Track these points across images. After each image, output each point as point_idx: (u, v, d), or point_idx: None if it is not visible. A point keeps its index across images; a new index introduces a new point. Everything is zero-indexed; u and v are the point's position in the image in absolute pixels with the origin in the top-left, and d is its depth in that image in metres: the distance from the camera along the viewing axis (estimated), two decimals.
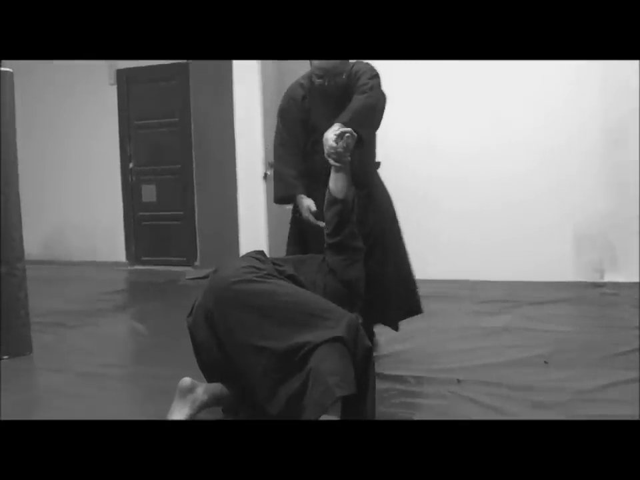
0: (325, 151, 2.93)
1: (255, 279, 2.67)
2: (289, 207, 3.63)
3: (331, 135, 2.91)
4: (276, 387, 2.52)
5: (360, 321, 2.90)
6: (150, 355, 4.23)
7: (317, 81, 3.38)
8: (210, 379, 2.82)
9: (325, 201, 3.01)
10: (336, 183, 2.97)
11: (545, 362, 3.54)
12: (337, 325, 2.54)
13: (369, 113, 3.27)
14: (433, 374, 3.40)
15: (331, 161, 2.93)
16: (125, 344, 4.64)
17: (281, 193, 3.47)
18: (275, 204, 3.71)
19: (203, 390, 2.68)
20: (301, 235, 3.56)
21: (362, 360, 2.57)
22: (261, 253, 2.96)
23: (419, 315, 4.63)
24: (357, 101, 3.23)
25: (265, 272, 2.73)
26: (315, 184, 3.36)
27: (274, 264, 2.86)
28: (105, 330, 4.79)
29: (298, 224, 3.54)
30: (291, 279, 2.82)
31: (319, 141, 3.13)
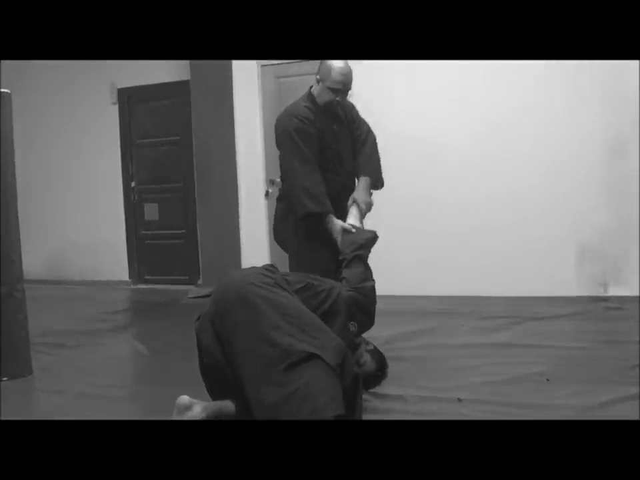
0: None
1: (259, 284, 2.78)
2: None
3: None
4: (264, 391, 2.55)
5: (355, 329, 3.05)
6: (151, 375, 4.22)
7: (329, 98, 3.55)
8: (210, 388, 2.87)
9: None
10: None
11: (547, 379, 3.51)
12: (324, 346, 2.61)
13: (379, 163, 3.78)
14: (434, 393, 3.36)
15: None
16: (126, 364, 4.61)
17: (312, 209, 3.47)
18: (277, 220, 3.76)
19: (201, 408, 2.70)
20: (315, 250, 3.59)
21: (350, 386, 2.63)
22: (272, 266, 3.05)
23: (420, 333, 4.67)
24: (374, 152, 3.79)
25: (273, 281, 2.83)
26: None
27: (283, 277, 2.96)
28: (106, 350, 4.77)
29: (314, 238, 3.56)
30: (298, 293, 2.90)
31: (329, 159, 3.54)
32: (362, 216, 3.61)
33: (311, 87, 3.70)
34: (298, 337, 2.63)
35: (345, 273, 3.26)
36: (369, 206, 3.66)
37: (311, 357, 2.57)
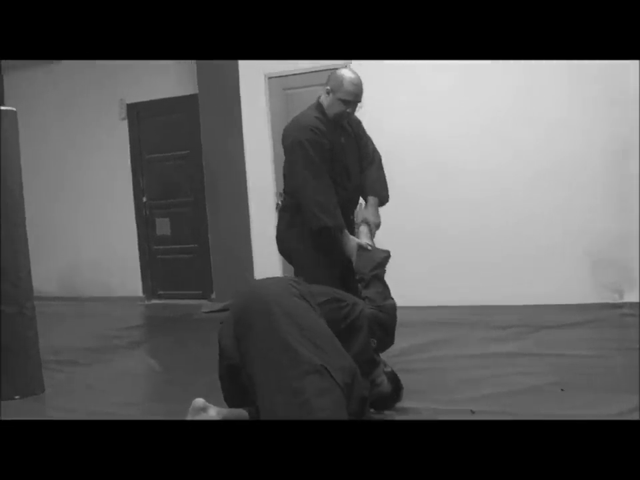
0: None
1: (282, 294, 2.83)
2: None
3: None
4: (274, 399, 2.57)
5: (375, 346, 3.07)
6: (163, 392, 4.21)
7: (340, 109, 3.50)
8: (226, 393, 2.91)
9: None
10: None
11: (562, 389, 3.46)
12: (335, 363, 2.62)
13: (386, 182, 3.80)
14: (447, 405, 3.33)
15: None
16: (138, 381, 4.58)
17: (327, 223, 3.42)
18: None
19: (216, 412, 2.73)
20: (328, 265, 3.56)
21: (356, 410, 2.64)
22: (298, 278, 3.11)
23: (432, 344, 4.64)
24: (381, 172, 3.78)
25: (297, 292, 2.87)
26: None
27: (309, 289, 2.97)
28: (119, 367, 4.77)
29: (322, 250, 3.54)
30: (321, 306, 2.91)
31: (337, 172, 3.52)
32: (372, 235, 3.60)
33: (319, 98, 3.64)
34: (310, 350, 2.64)
35: (366, 292, 3.27)
36: (378, 225, 3.66)
37: (321, 370, 2.57)
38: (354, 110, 3.61)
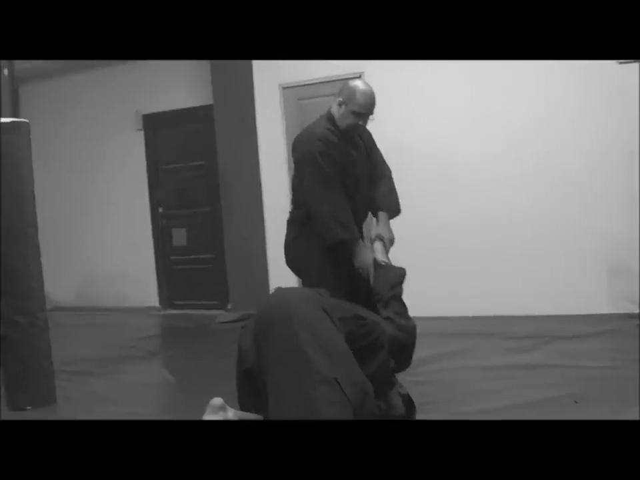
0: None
1: (304, 304, 2.83)
2: None
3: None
4: (285, 405, 2.57)
5: (392, 365, 3.07)
6: (175, 403, 4.21)
7: (352, 121, 3.46)
8: (241, 396, 2.92)
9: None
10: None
11: (575, 402, 3.40)
12: (347, 379, 2.60)
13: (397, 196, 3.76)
14: (458, 417, 3.27)
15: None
16: (151, 392, 4.56)
17: (341, 236, 3.39)
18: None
19: (233, 413, 2.77)
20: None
21: None
22: (323, 291, 3.07)
23: (445, 354, 4.60)
24: (392, 186, 3.74)
25: (320, 305, 2.86)
26: None
27: (332, 303, 2.97)
28: (132, 378, 4.78)
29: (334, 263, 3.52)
30: (344, 321, 2.90)
31: (347, 184, 3.46)
32: (387, 250, 3.58)
33: (330, 108, 3.60)
34: (324, 361, 2.63)
35: (385, 312, 3.26)
36: (392, 241, 3.62)
37: (332, 382, 2.56)
38: (365, 122, 3.56)
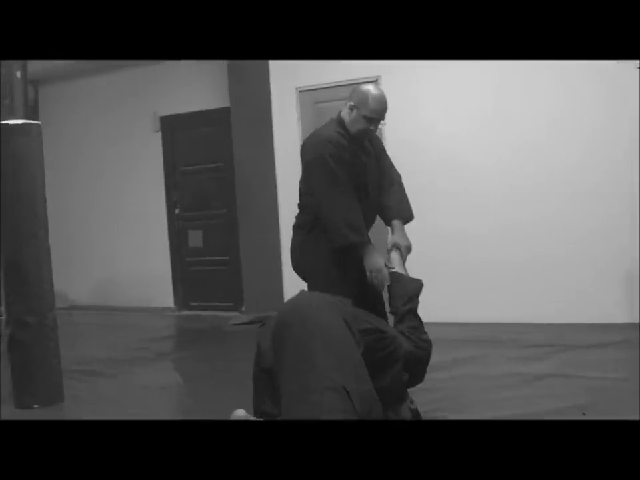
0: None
1: (324, 311, 2.84)
2: None
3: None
4: (297, 409, 2.56)
5: (406, 379, 3.07)
6: (184, 406, 4.22)
7: (364, 126, 3.42)
8: (257, 394, 2.92)
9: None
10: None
11: (583, 413, 3.35)
12: (356, 389, 2.58)
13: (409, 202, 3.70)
14: None
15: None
16: (160, 394, 4.50)
17: (353, 240, 3.34)
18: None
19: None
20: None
21: None
22: (345, 299, 3.07)
23: (456, 362, 4.55)
24: (403, 192, 3.67)
25: (339, 314, 2.85)
26: None
27: (353, 313, 2.97)
28: (142, 379, 4.78)
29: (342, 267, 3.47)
30: (363, 333, 2.88)
31: (356, 188, 3.40)
32: (404, 259, 3.54)
33: (340, 112, 3.56)
34: (335, 369, 2.62)
35: (400, 327, 3.24)
36: (409, 249, 3.58)
37: (341, 390, 2.55)
38: (376, 127, 3.51)
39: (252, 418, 2.77)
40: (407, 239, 3.57)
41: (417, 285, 3.40)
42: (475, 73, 5.86)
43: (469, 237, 5.99)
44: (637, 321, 5.33)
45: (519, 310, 5.71)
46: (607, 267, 5.52)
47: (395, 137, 6.03)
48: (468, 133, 6.00)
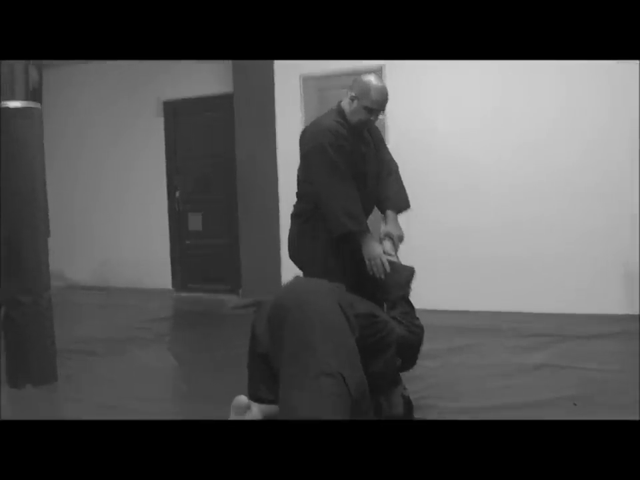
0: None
1: (320, 296, 2.89)
2: None
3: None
4: (294, 395, 2.59)
5: (399, 364, 3.11)
6: (176, 388, 4.23)
7: (364, 117, 3.42)
8: (252, 378, 2.95)
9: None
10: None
11: (575, 404, 3.34)
12: (350, 374, 2.61)
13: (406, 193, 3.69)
14: (454, 415, 3.25)
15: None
16: (153, 375, 4.47)
17: (351, 228, 3.33)
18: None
19: (258, 409, 2.82)
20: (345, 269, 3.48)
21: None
22: (341, 285, 3.11)
23: (451, 350, 4.54)
24: (400, 183, 3.66)
25: (336, 299, 2.90)
26: None
27: (349, 299, 3.00)
28: (136, 360, 4.77)
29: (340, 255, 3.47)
30: (359, 318, 2.91)
31: (356, 179, 3.41)
32: (396, 248, 3.54)
33: (340, 102, 3.55)
34: (331, 354, 2.64)
35: (393, 313, 3.27)
36: (402, 238, 3.57)
37: (337, 376, 2.57)
38: (377, 118, 3.51)
39: (254, 404, 2.81)
40: (400, 229, 3.57)
41: (409, 273, 3.41)
42: (476, 71, 5.84)
43: (470, 233, 5.98)
44: (636, 313, 5.32)
45: (519, 300, 5.72)
46: (606, 263, 5.51)
47: (398, 130, 6.02)
48: (470, 130, 5.98)
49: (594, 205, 5.55)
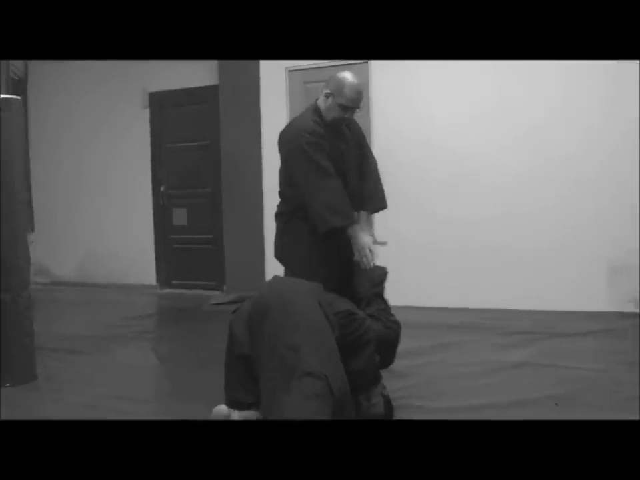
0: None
1: (300, 296, 2.92)
2: None
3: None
4: (271, 391, 2.61)
5: (377, 361, 3.12)
6: (158, 386, 4.23)
7: (338, 115, 3.40)
8: (229, 379, 2.93)
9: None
10: None
11: (556, 404, 3.34)
12: (332, 375, 2.61)
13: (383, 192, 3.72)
14: (433, 415, 3.23)
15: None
16: (135, 374, 4.40)
17: (335, 224, 3.31)
18: None
19: (238, 417, 2.79)
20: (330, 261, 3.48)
21: None
22: (320, 285, 3.12)
23: (434, 347, 4.54)
24: (378, 183, 3.67)
25: (315, 299, 2.93)
26: None
27: (328, 298, 3.03)
28: (118, 357, 4.75)
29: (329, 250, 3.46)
30: (338, 316, 2.95)
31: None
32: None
33: (317, 100, 3.54)
34: (314, 354, 2.65)
35: (369, 310, 3.29)
36: (373, 240, 3.56)
37: (321, 376, 2.58)
38: (351, 116, 3.50)
39: (234, 412, 2.79)
40: (370, 229, 3.63)
41: (382, 272, 3.47)
42: (474, 63, 5.76)
43: (458, 225, 5.96)
44: (623, 310, 5.35)
45: (506, 296, 5.72)
46: (599, 256, 5.52)
47: (387, 124, 5.98)
48: (467, 123, 5.96)
49: (587, 198, 5.56)
